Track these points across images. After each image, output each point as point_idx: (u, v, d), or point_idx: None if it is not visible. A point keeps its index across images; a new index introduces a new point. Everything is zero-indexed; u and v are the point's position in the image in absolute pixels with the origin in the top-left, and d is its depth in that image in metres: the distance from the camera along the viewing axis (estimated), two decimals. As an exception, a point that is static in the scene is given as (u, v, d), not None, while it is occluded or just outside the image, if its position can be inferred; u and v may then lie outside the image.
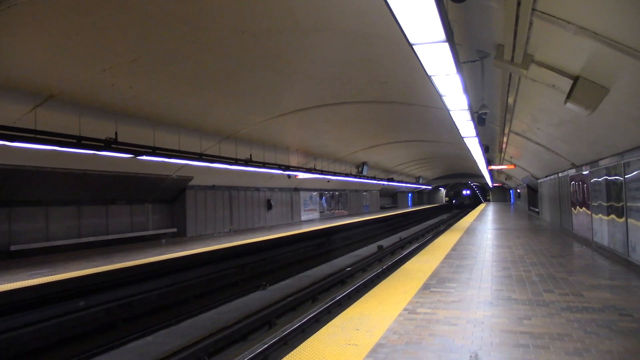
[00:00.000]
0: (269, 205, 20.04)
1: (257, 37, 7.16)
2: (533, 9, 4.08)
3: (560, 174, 13.31)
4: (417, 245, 17.64)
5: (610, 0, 3.91)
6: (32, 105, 7.51)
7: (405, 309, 4.99)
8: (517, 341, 3.88)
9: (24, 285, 7.02)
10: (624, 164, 7.07)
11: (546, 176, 16.77)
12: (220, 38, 6.99)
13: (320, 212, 26.00)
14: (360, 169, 24.10)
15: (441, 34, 3.59)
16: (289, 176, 18.51)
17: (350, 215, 29.22)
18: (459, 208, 62.18)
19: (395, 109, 12.92)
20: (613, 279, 6.45)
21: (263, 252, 14.03)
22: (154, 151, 9.24)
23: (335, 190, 27.78)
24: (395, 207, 43.12)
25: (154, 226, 14.50)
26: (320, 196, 26.10)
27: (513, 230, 15.06)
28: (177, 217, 15.18)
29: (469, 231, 14.86)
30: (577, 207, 11.11)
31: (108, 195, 12.53)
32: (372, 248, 18.45)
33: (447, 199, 67.45)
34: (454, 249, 10.16)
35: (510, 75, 6.33)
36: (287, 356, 3.70)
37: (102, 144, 8.17)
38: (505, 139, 11.85)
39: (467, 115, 7.37)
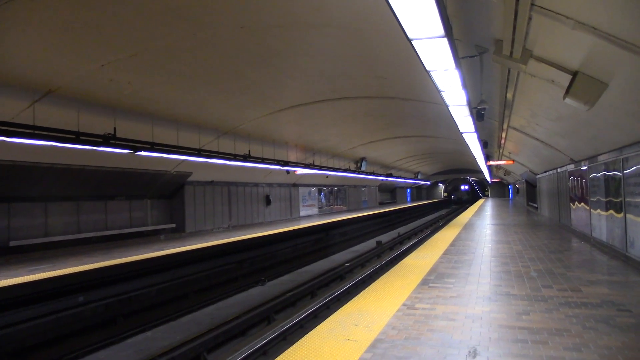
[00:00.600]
0: (267, 201, 20.04)
1: (256, 33, 7.13)
2: (532, 4, 4.07)
3: (558, 170, 13.30)
4: (415, 240, 17.66)
5: (609, -5, 3.89)
6: (31, 101, 7.49)
7: (404, 305, 5.00)
8: (516, 336, 3.89)
9: (24, 281, 7.02)
10: (622, 159, 7.07)
11: (545, 172, 16.77)
12: (219, 33, 6.96)
13: (319, 208, 26.01)
14: (359, 165, 24.08)
15: (440, 29, 3.59)
16: (287, 172, 18.52)
17: (349, 210, 29.24)
18: (457, 204, 62.31)
19: (394, 104, 12.91)
20: (611, 274, 6.46)
21: (262, 248, 14.06)
22: (152, 147, 9.23)
23: (334, 185, 27.78)
24: (394, 203, 43.17)
25: (153, 222, 14.51)
26: (319, 192, 26.10)
27: (511, 225, 15.09)
28: (176, 213, 15.17)
29: (468, 227, 14.88)
30: (576, 202, 11.12)
31: (107, 191, 12.52)
32: (370, 243, 18.49)
33: (445, 194, 67.58)
34: (452, 244, 10.17)
35: (509, 71, 6.31)
36: (286, 352, 3.70)
37: (101, 140, 8.17)
38: (504, 135, 11.84)
39: (466, 111, 7.37)
